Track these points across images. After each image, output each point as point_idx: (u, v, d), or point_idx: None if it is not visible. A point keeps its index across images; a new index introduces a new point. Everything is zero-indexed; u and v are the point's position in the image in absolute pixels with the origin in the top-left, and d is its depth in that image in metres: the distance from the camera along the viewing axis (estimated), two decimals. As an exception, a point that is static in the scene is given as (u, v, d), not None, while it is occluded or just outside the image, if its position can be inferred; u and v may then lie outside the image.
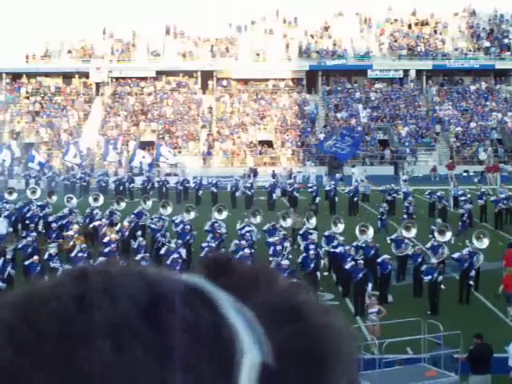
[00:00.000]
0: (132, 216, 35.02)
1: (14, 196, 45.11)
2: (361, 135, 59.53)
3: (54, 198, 43.53)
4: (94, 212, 36.59)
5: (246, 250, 27.74)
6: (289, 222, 34.57)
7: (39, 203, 39.44)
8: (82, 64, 75.41)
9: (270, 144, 67.64)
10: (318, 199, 44.12)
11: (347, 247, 27.66)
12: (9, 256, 28.06)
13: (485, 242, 29.38)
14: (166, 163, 59.76)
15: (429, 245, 28.73)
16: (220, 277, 0.87)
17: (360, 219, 36.47)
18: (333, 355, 0.85)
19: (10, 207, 39.56)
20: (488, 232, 31.04)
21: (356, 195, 44.64)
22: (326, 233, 30.69)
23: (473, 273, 26.07)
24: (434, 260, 26.35)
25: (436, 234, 30.59)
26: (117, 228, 33.05)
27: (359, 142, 57.17)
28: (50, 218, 36.08)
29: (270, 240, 30.07)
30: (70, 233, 31.91)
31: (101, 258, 26.77)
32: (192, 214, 36.71)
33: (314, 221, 33.82)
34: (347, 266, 26.24)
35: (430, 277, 24.93)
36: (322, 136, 66.15)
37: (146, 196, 43.73)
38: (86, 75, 75.12)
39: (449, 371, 18.20)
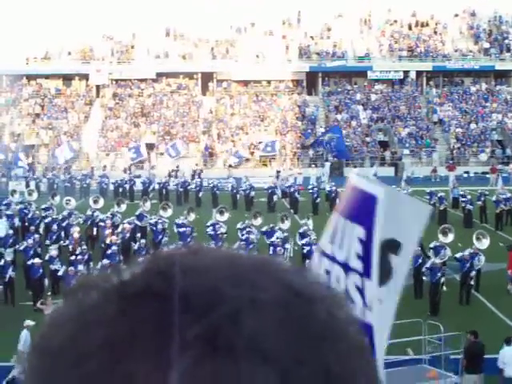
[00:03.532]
0: (133, 218, 35.07)
1: (17, 197, 45.31)
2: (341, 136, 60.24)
3: (57, 199, 43.67)
4: (95, 214, 36.61)
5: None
6: (287, 224, 34.49)
7: (43, 206, 39.48)
8: (82, 66, 75.37)
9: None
10: (318, 200, 44.23)
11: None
12: (9, 258, 28.07)
13: (484, 243, 29.37)
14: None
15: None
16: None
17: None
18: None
19: (12, 209, 39.67)
20: (487, 233, 31.04)
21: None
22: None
23: (473, 273, 26.08)
24: (437, 260, 26.35)
25: (439, 235, 30.64)
26: (119, 230, 33.00)
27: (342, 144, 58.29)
28: (48, 220, 36.05)
29: (271, 240, 30.18)
30: (75, 235, 31.83)
31: (104, 261, 26.76)
32: (192, 216, 36.77)
33: None
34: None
35: (432, 278, 24.98)
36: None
37: (145, 198, 43.81)
38: (86, 77, 75.09)
39: (449, 372, 18.24)
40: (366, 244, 5.08)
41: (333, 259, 5.27)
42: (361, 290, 5.11)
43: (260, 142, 65.86)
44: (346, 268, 5.17)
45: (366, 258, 5.09)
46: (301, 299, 0.81)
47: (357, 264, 5.12)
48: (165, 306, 0.77)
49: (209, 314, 0.76)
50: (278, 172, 57.98)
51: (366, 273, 5.09)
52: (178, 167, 59.70)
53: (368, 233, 5.08)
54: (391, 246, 5.21)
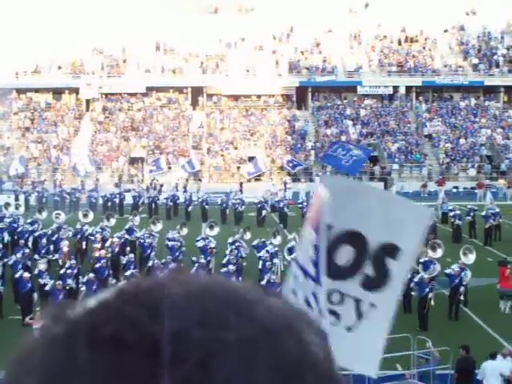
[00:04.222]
0: (122, 232, 35.02)
1: (11, 210, 45.24)
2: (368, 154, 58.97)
3: (44, 213, 43.55)
4: (84, 228, 36.55)
5: (231, 267, 27.68)
6: (279, 239, 34.39)
7: (29, 220, 39.42)
8: (72, 80, 75.36)
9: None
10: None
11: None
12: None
13: (471, 258, 29.38)
14: None
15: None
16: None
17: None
18: None
19: (2, 222, 39.60)
20: (474, 248, 31.04)
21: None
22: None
23: (462, 289, 26.14)
24: (425, 275, 26.37)
25: (428, 251, 30.66)
26: (108, 244, 32.95)
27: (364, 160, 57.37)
28: (36, 234, 35.99)
29: (260, 255, 30.12)
30: (65, 249, 31.79)
31: (91, 275, 26.73)
32: (185, 230, 36.77)
33: None
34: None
35: (420, 292, 25.02)
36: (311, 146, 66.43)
37: (135, 212, 43.79)
38: (76, 91, 75.07)
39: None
40: (316, 248, 4.87)
41: (301, 268, 5.08)
42: (315, 296, 4.95)
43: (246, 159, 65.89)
44: (306, 274, 4.98)
45: (316, 262, 4.88)
46: (269, 333, 0.80)
47: (311, 269, 4.92)
48: (135, 356, 0.75)
49: (180, 364, 0.75)
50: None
51: (316, 278, 4.90)
52: (187, 180, 59.94)
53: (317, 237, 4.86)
54: (389, 251, 4.98)
